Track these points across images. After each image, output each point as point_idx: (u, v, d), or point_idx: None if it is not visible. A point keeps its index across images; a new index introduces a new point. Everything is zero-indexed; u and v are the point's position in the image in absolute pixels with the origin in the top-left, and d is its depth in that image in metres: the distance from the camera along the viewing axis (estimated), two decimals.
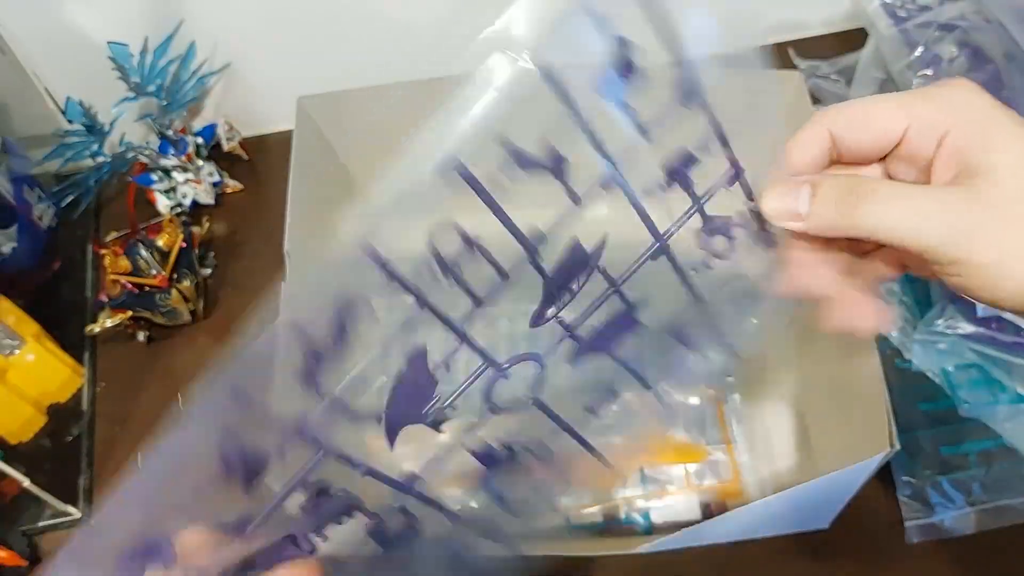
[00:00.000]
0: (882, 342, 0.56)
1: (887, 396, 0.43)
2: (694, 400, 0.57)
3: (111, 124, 0.65)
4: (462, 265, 0.33)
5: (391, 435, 0.31)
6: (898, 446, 0.41)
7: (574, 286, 0.32)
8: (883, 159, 0.31)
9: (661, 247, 0.32)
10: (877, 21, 0.64)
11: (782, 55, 0.74)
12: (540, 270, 0.32)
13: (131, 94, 0.64)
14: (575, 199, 0.31)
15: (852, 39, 0.69)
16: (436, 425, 0.32)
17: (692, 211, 0.33)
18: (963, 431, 0.54)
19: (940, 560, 0.51)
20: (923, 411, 0.55)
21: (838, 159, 0.31)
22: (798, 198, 0.29)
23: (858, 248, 0.32)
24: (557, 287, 0.32)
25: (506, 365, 0.32)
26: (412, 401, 0.31)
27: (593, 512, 0.54)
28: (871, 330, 0.33)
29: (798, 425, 0.56)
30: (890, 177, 0.31)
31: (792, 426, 0.56)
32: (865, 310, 0.32)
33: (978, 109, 0.28)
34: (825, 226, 0.29)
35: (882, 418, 0.43)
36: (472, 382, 0.33)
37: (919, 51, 0.56)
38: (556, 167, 0.30)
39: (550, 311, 0.32)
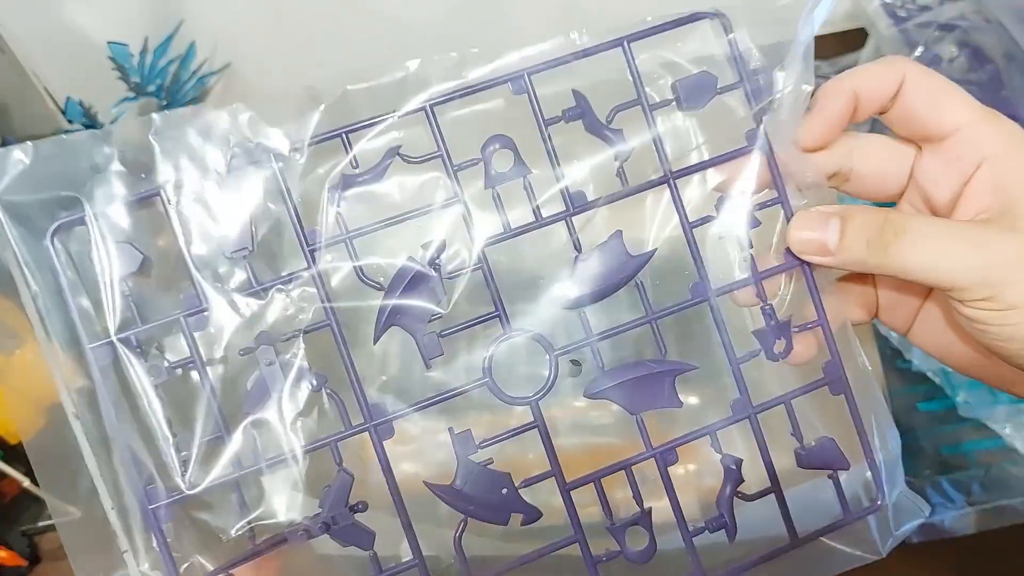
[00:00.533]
0: (882, 342, 0.56)
1: (887, 396, 0.43)
2: (693, 400, 0.57)
3: (111, 124, 0.65)
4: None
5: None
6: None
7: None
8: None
9: (707, 299, 0.34)
10: (877, 21, 0.64)
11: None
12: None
13: (131, 94, 0.64)
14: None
15: (852, 39, 0.69)
16: None
17: (746, 281, 0.34)
18: (963, 431, 0.54)
19: (939, 560, 0.51)
20: (923, 411, 0.55)
21: (888, 115, 0.30)
22: (827, 231, 0.29)
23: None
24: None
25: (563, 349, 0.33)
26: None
27: (592, 512, 0.54)
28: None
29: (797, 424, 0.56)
30: (916, 179, 0.31)
31: (791, 426, 0.56)
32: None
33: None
34: (854, 263, 0.29)
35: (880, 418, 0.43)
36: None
37: (919, 51, 0.56)
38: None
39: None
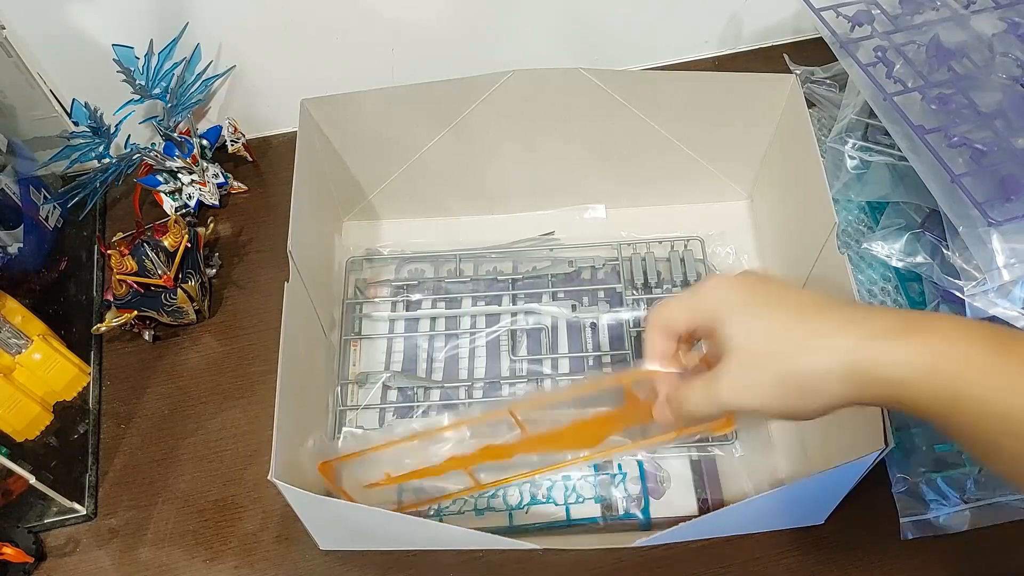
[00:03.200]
0: None
1: None
2: None
3: (117, 126, 0.66)
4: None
5: None
6: (893, 444, 0.42)
7: None
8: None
9: None
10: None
11: (777, 59, 0.75)
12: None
13: (136, 96, 0.65)
14: None
15: None
16: None
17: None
18: None
19: (934, 556, 0.52)
20: None
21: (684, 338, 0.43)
22: (667, 415, 0.43)
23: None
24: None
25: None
26: None
27: (592, 507, 0.55)
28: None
29: (795, 422, 0.57)
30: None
31: (788, 423, 0.57)
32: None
33: (715, 300, 0.40)
34: (683, 424, 0.43)
35: (877, 416, 0.43)
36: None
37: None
38: None
39: None
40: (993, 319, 0.53)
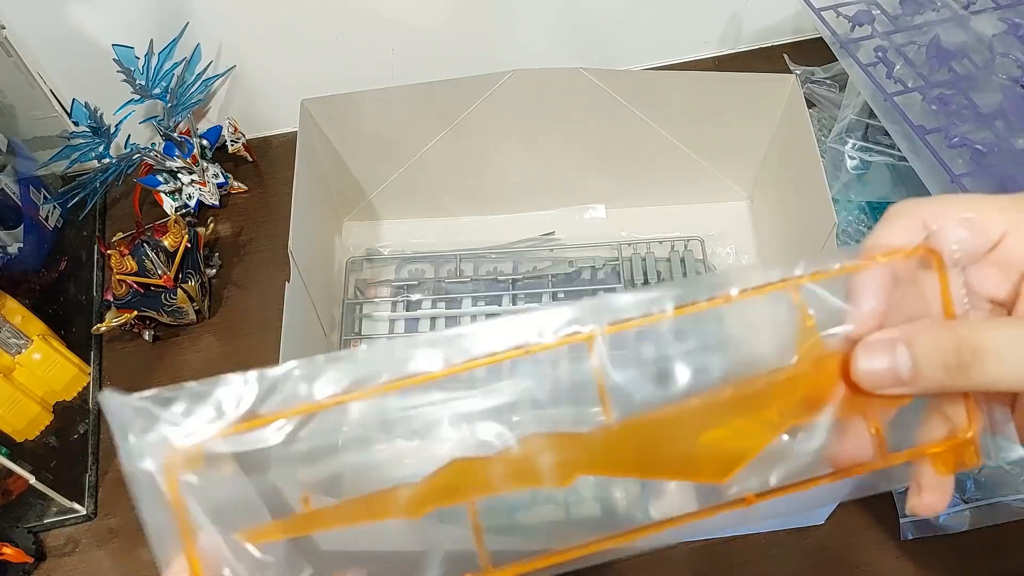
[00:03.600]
0: None
1: None
2: None
3: (117, 126, 0.66)
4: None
5: None
6: None
7: None
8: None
9: None
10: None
11: (777, 59, 0.75)
12: None
13: (136, 96, 0.65)
14: None
15: None
16: None
17: None
18: None
19: (934, 557, 0.52)
20: None
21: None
22: (896, 360, 0.26)
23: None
24: None
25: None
26: None
27: (591, 506, 0.55)
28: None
29: None
30: (971, 287, 0.28)
31: None
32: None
33: None
34: (933, 389, 0.26)
35: None
36: None
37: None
38: None
39: None
40: None
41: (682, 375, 0.28)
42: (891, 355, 0.26)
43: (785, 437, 0.28)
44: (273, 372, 0.26)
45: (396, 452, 0.29)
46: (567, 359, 0.28)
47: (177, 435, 0.26)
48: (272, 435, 0.26)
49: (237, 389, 0.26)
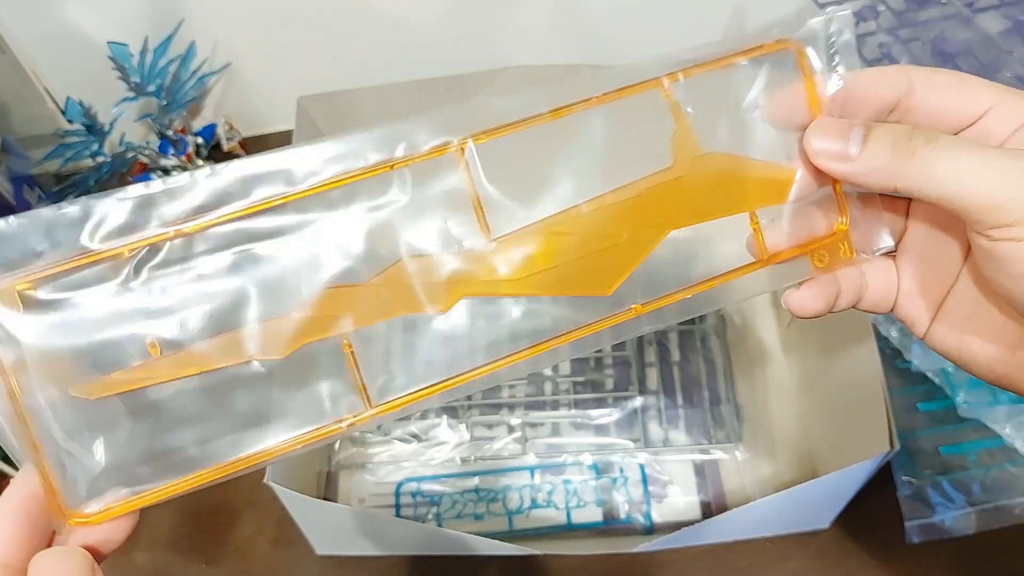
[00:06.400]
0: (882, 342, 0.56)
1: (887, 396, 0.44)
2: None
3: (111, 124, 0.65)
4: None
5: None
6: (898, 446, 0.41)
7: None
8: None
9: None
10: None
11: None
12: None
13: (131, 94, 0.64)
14: None
15: None
16: None
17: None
18: (963, 431, 0.54)
19: (940, 560, 0.51)
20: (923, 411, 0.55)
21: (899, 118, 0.28)
22: (849, 138, 0.27)
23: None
24: None
25: None
26: None
27: (593, 511, 0.54)
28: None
29: (798, 425, 0.56)
30: None
31: (792, 426, 0.57)
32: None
33: None
34: (874, 171, 0.27)
35: (882, 418, 0.43)
36: None
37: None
38: None
39: None
40: None
41: (560, 183, 0.26)
42: (845, 131, 0.27)
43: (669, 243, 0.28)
44: (102, 202, 0.23)
45: (253, 286, 0.25)
46: (438, 171, 0.26)
47: None
48: (108, 272, 0.24)
49: (59, 219, 0.23)
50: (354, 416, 0.26)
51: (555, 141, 0.26)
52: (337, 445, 0.54)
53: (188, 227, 0.24)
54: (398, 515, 0.54)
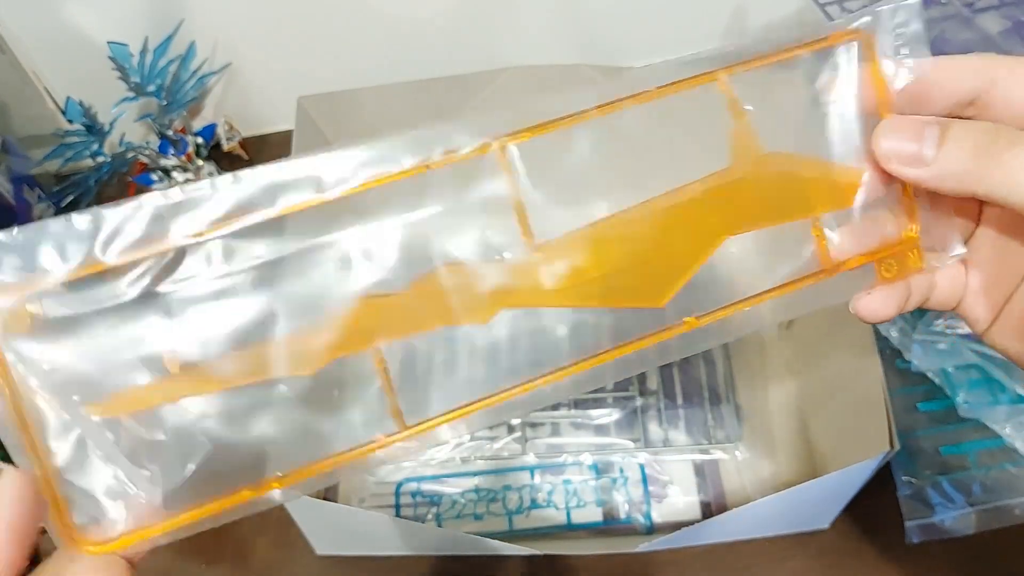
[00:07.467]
0: (882, 342, 0.56)
1: (887, 396, 0.44)
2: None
3: (111, 124, 0.65)
4: None
5: None
6: (898, 446, 0.41)
7: None
8: None
9: None
10: None
11: None
12: None
13: (131, 94, 0.64)
14: None
15: None
16: None
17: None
18: (963, 431, 0.54)
19: (940, 560, 0.51)
20: (923, 411, 0.55)
21: (976, 114, 0.25)
22: (923, 139, 0.24)
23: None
24: None
25: None
26: None
27: (593, 511, 0.54)
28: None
29: (798, 425, 0.56)
30: None
31: (792, 426, 0.57)
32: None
33: None
34: (953, 176, 0.24)
35: (882, 418, 0.43)
36: None
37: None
38: None
39: None
40: None
41: (608, 186, 0.24)
42: (919, 132, 0.24)
43: (728, 251, 0.25)
44: (115, 211, 0.21)
45: (280, 299, 0.23)
46: (477, 175, 0.24)
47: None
48: (124, 286, 0.22)
49: (68, 231, 0.21)
50: (386, 437, 0.24)
51: (602, 140, 0.24)
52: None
53: (209, 237, 0.22)
54: (398, 515, 0.54)
